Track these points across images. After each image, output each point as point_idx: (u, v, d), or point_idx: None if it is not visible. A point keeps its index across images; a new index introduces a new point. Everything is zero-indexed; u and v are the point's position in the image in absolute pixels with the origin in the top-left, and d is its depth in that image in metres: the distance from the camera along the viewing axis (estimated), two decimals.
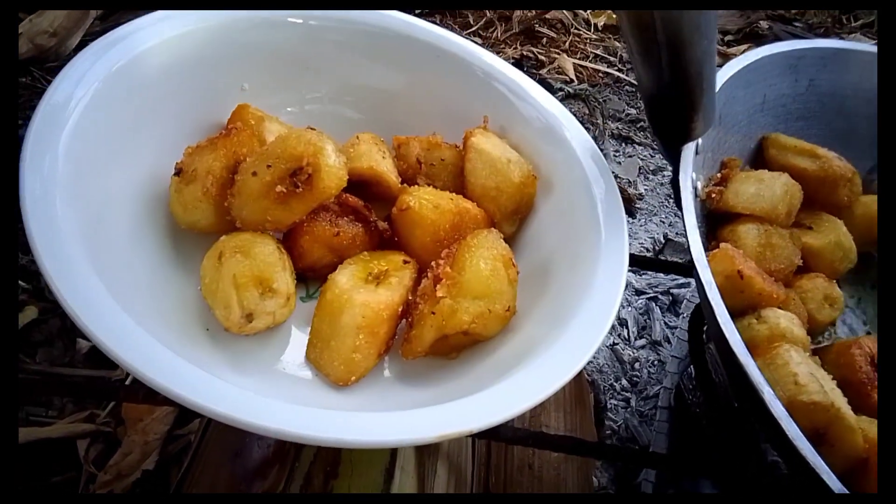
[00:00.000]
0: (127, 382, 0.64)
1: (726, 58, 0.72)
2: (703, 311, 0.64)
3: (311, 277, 0.56)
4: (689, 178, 0.57)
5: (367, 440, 0.37)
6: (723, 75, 0.66)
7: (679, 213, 0.54)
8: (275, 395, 0.41)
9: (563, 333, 0.46)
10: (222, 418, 0.36)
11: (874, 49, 0.77)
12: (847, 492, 0.42)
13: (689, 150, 0.58)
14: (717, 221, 0.65)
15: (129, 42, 0.51)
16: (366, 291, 0.49)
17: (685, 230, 0.53)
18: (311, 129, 0.53)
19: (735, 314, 0.52)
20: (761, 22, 1.49)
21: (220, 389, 0.38)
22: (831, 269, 0.65)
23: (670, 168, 0.64)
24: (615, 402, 0.81)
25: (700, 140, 0.60)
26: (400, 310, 0.50)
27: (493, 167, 0.57)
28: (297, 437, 0.36)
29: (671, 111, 0.55)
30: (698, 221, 0.55)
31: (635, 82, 0.78)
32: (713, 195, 0.63)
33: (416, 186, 0.57)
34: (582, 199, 0.55)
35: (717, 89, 0.64)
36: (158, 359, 0.39)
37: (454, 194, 0.56)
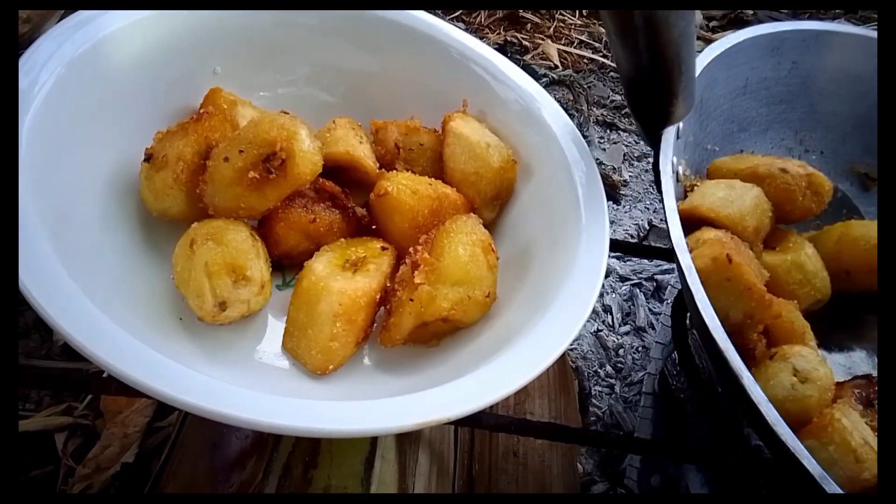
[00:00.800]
0: (104, 375, 0.63)
1: (710, 43, 0.72)
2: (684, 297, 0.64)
3: (287, 265, 0.55)
4: (670, 162, 0.56)
5: (342, 429, 0.36)
6: (704, 58, 0.66)
7: (660, 197, 0.54)
8: (251, 385, 0.41)
9: (542, 318, 0.46)
10: (193, 409, 0.35)
11: (857, 31, 0.77)
12: (826, 475, 0.42)
13: (669, 134, 0.57)
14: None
15: (94, 25, 0.49)
16: (343, 279, 0.48)
17: (665, 214, 0.53)
18: (285, 112, 0.51)
19: (721, 308, 0.48)
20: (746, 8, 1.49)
21: (190, 379, 0.37)
22: (789, 294, 0.57)
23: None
24: (600, 389, 0.81)
25: (681, 124, 0.60)
26: (378, 297, 0.50)
27: (472, 152, 0.56)
28: (270, 426, 0.35)
29: (650, 94, 0.54)
30: (679, 205, 0.54)
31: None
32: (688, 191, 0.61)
33: (395, 172, 0.56)
34: (562, 183, 0.55)
35: (699, 73, 0.63)
36: (126, 349, 0.38)
37: (433, 179, 0.56)
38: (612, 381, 0.81)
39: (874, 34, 0.75)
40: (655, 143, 0.58)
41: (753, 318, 0.51)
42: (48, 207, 0.42)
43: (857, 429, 0.47)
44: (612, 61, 1.32)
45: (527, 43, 1.28)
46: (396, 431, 0.38)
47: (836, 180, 0.79)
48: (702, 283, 0.48)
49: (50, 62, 0.46)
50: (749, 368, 0.46)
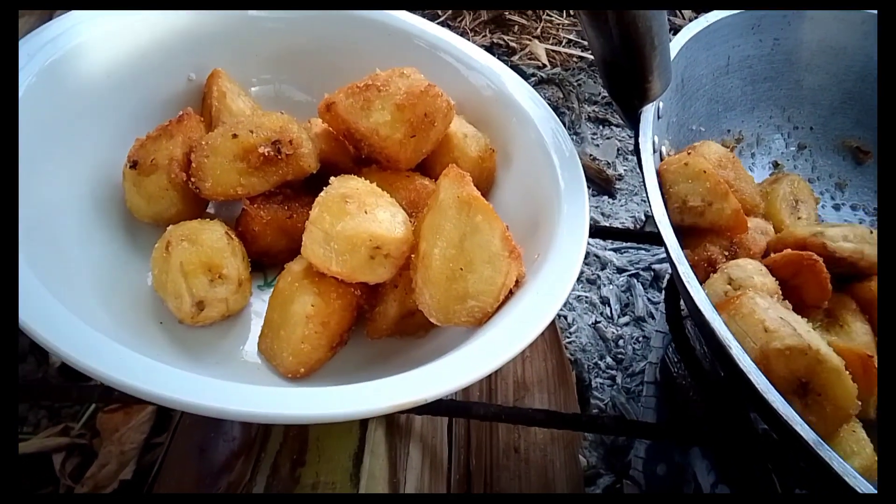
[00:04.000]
0: (91, 383, 0.63)
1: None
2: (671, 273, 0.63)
3: (269, 265, 0.55)
4: (650, 141, 0.56)
5: (313, 414, 0.35)
6: (682, 38, 0.65)
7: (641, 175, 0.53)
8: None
9: (523, 297, 0.45)
10: (159, 400, 0.35)
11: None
12: (822, 442, 0.41)
13: (648, 112, 0.56)
14: None
15: (64, 36, 0.50)
16: (319, 280, 0.47)
17: (646, 192, 0.52)
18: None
19: (681, 194, 0.53)
20: None
21: (160, 372, 0.36)
22: None
23: None
24: (601, 381, 0.79)
25: (661, 104, 0.59)
26: (355, 301, 0.49)
27: (449, 143, 0.56)
28: (238, 414, 0.34)
29: (625, 72, 0.54)
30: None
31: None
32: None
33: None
34: (541, 167, 0.54)
35: (677, 52, 0.63)
36: (99, 347, 0.37)
37: (411, 172, 0.55)
38: (614, 372, 0.80)
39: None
40: (635, 123, 0.57)
41: (712, 205, 0.54)
42: (23, 221, 0.42)
43: (771, 305, 0.48)
44: (584, 37, 1.31)
45: (514, 44, 1.28)
46: (370, 415, 0.37)
47: (828, 156, 0.79)
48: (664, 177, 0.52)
49: (21, 73, 0.46)
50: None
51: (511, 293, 0.47)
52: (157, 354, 0.44)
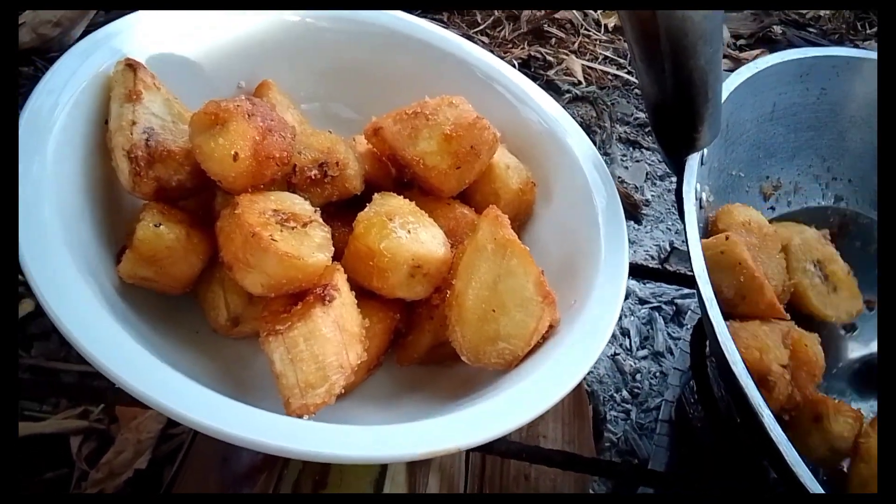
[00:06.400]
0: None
1: (738, 62, 0.71)
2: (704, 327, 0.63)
3: None
4: (693, 190, 0.56)
5: (349, 455, 0.36)
6: (731, 83, 0.65)
7: (683, 224, 0.53)
8: (264, 401, 0.40)
9: (558, 347, 0.45)
10: (199, 427, 0.35)
11: None
12: None
13: (693, 161, 0.56)
14: None
15: (115, 42, 0.50)
16: (361, 302, 0.47)
17: (687, 243, 0.52)
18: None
19: (716, 281, 0.50)
20: (774, 27, 1.47)
21: (198, 396, 0.37)
22: None
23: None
24: (615, 414, 0.80)
25: (706, 150, 0.59)
26: (394, 325, 0.49)
27: (491, 173, 0.56)
28: (277, 449, 0.35)
29: (675, 120, 0.54)
30: (701, 234, 0.54)
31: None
32: None
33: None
34: (582, 208, 0.54)
35: (725, 97, 0.63)
36: (136, 361, 0.38)
37: (451, 200, 0.55)
38: (629, 406, 0.80)
39: None
40: (679, 169, 0.57)
41: (746, 298, 0.54)
42: (71, 225, 0.43)
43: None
44: (636, 78, 1.31)
45: (551, 58, 1.28)
46: (405, 460, 0.37)
47: (865, 209, 0.78)
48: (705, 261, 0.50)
49: (71, 81, 0.46)
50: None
51: (544, 338, 0.47)
52: (190, 364, 0.46)
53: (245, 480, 0.50)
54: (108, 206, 0.48)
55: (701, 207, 0.62)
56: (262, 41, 0.58)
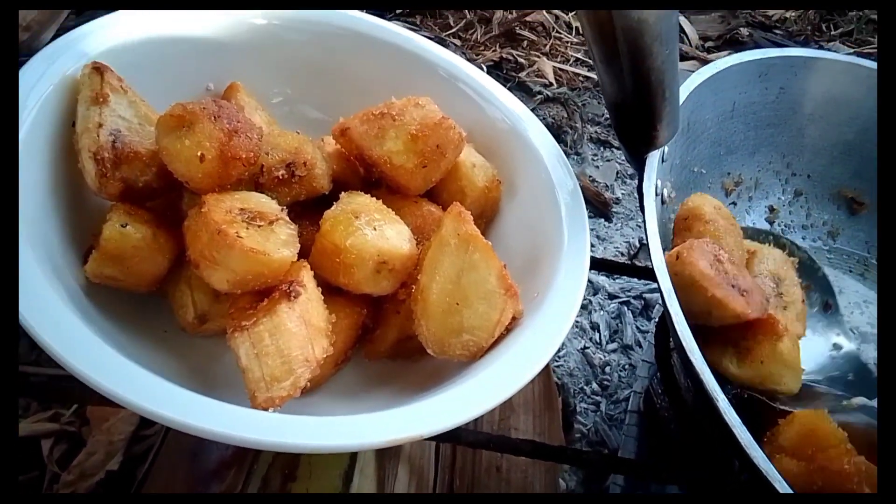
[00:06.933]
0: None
1: (705, 63, 0.72)
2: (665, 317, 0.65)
3: None
4: (654, 186, 0.57)
5: (315, 444, 0.37)
6: (692, 82, 0.67)
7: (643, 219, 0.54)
8: (236, 397, 0.41)
9: (521, 336, 0.47)
10: (166, 421, 0.36)
11: (844, 58, 0.78)
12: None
13: (653, 158, 0.58)
14: None
15: (82, 46, 0.50)
16: (328, 297, 0.48)
17: (646, 237, 0.53)
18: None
19: (684, 302, 0.50)
20: (741, 29, 1.50)
21: (165, 391, 0.37)
22: None
23: None
24: (585, 406, 0.81)
25: (666, 147, 0.61)
26: (361, 321, 0.50)
27: (457, 171, 0.57)
28: (242, 440, 0.36)
29: (635, 119, 0.55)
30: (661, 229, 0.55)
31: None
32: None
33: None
34: (546, 204, 0.56)
35: (686, 96, 0.64)
36: (102, 359, 0.38)
37: (418, 198, 0.56)
38: (598, 398, 0.81)
39: (861, 61, 0.76)
40: (640, 166, 0.58)
41: (712, 313, 0.54)
42: (36, 228, 0.43)
43: None
44: (597, 77, 1.33)
45: (522, 60, 1.29)
46: (371, 448, 0.38)
47: (824, 204, 0.81)
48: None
49: (37, 86, 0.46)
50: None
51: (508, 330, 0.48)
52: (158, 363, 0.46)
53: (214, 476, 0.51)
54: (74, 208, 0.48)
55: (663, 203, 0.64)
56: (230, 43, 0.59)
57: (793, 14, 1.58)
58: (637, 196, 0.58)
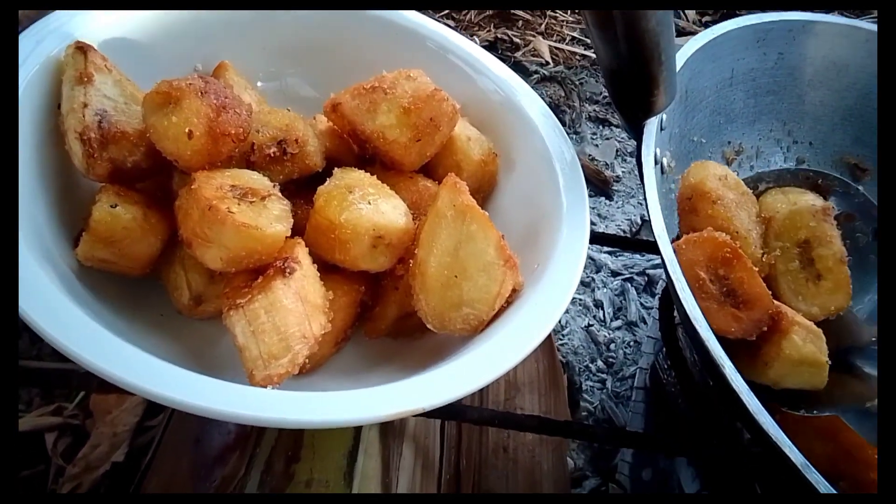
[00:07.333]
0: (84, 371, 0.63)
1: None
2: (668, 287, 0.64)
3: None
4: (653, 153, 0.56)
5: (316, 419, 0.36)
6: (688, 49, 0.66)
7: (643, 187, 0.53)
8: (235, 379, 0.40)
9: (522, 308, 0.46)
10: (166, 401, 0.35)
11: (842, 21, 0.77)
12: (808, 465, 0.42)
13: (651, 125, 0.57)
14: None
15: (66, 27, 0.49)
16: (325, 276, 0.47)
17: (646, 205, 0.52)
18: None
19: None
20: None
21: (164, 372, 0.37)
22: None
23: None
24: (591, 384, 0.80)
25: (664, 115, 0.60)
26: (360, 299, 0.49)
27: (452, 145, 0.56)
28: (246, 418, 0.35)
29: (631, 85, 0.54)
30: (662, 199, 0.54)
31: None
32: None
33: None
34: (544, 174, 0.55)
35: (683, 64, 0.63)
36: (102, 343, 0.38)
37: (414, 173, 0.55)
38: (604, 375, 0.81)
39: (860, 23, 0.75)
40: (638, 135, 0.57)
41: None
42: (24, 204, 0.42)
43: None
44: (591, 46, 1.31)
45: (518, 40, 1.28)
46: (374, 422, 0.38)
47: (827, 170, 0.79)
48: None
49: (24, 65, 0.45)
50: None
51: (508, 303, 0.47)
52: (156, 346, 0.46)
53: (218, 460, 0.50)
54: (63, 191, 0.47)
55: (663, 172, 0.63)
56: (217, 22, 0.58)
57: None
58: (637, 166, 0.57)
